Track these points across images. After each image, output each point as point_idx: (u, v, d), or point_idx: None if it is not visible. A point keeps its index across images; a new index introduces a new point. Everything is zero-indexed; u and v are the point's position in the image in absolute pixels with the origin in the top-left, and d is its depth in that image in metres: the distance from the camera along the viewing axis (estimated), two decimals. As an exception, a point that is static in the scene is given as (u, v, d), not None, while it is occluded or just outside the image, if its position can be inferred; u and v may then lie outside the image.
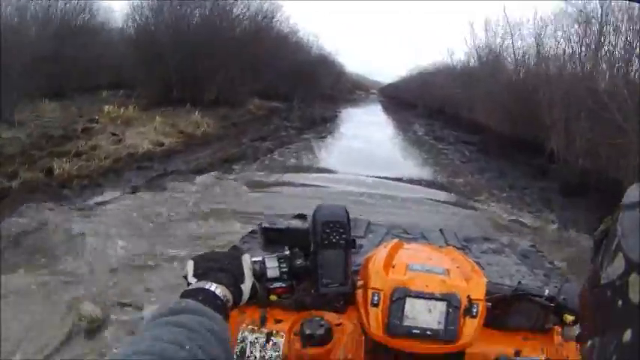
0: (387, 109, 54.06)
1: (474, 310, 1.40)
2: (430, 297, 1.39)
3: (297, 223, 1.67)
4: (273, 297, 1.35)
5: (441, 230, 2.57)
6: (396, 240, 1.74)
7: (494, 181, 13.84)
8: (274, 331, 1.57)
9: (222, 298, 1.05)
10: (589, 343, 0.63)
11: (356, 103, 56.04)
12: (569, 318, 1.47)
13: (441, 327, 1.38)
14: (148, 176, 10.63)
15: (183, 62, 20.01)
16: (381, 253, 1.57)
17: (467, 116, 29.38)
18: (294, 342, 1.55)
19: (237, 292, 1.12)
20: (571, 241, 8.69)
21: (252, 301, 1.25)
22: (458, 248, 2.06)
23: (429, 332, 1.38)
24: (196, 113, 16.87)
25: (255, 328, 1.58)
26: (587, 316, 0.66)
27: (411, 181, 12.87)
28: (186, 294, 1.03)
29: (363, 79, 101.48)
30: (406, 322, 1.38)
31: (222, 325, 0.94)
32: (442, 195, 11.72)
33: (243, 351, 1.56)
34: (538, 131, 17.17)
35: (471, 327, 1.40)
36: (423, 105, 44.51)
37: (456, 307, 1.38)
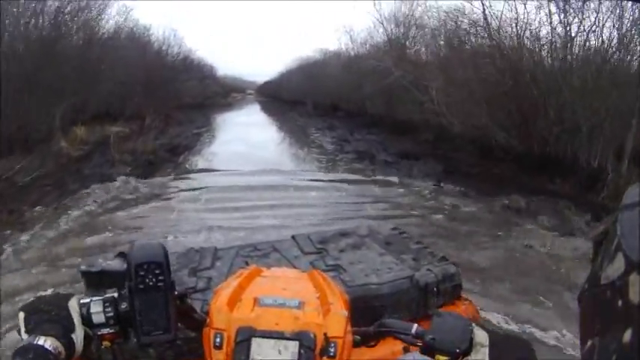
0: (268, 110, 46.82)
1: (332, 350, 1.20)
2: (279, 336, 1.20)
3: (115, 264, 1.42)
4: (107, 343, 1.20)
5: (293, 237, 2.42)
6: (253, 267, 1.53)
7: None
8: None
9: (53, 352, 1.01)
10: (589, 343, 0.61)
11: (230, 108, 49.11)
12: (442, 359, 1.17)
13: None
14: None
15: None
16: (231, 285, 1.37)
17: (380, 112, 22.54)
18: None
19: (68, 343, 1.06)
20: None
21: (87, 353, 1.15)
22: (314, 253, 2.19)
23: None
24: None
25: None
26: (587, 316, 0.65)
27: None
28: (18, 354, 0.99)
29: (238, 82, 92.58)
30: None
31: None
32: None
33: None
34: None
35: None
36: (313, 102, 37.62)
37: (309, 348, 1.18)
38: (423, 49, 19.25)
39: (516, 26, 11.75)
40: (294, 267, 2.06)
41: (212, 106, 43.32)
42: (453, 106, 13.31)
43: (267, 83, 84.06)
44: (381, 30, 24.21)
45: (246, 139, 20.18)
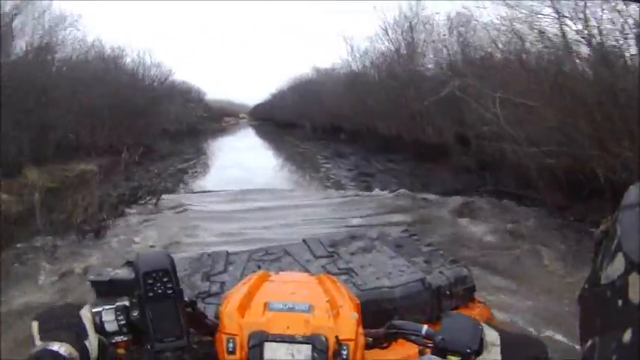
0: (264, 133, 43.50)
1: (344, 353, 1.21)
2: (291, 340, 1.21)
3: (124, 273, 1.47)
4: (121, 350, 1.21)
5: (304, 241, 2.45)
6: (261, 272, 1.55)
7: None
8: None
9: (67, 357, 1.00)
10: (589, 343, 0.62)
11: (223, 133, 47.16)
12: (453, 359, 1.15)
13: None
14: None
15: None
16: (240, 290, 1.38)
17: (397, 133, 18.80)
18: None
19: (82, 350, 1.05)
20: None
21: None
22: (326, 257, 2.22)
23: None
24: None
25: None
26: (587, 316, 0.65)
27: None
28: (31, 358, 0.99)
29: (229, 105, 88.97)
30: None
31: None
32: None
33: None
34: None
35: None
36: (311, 124, 34.05)
37: (321, 351, 1.20)
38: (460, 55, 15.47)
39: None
40: (307, 270, 2.00)
41: (204, 132, 40.89)
42: (528, 126, 9.52)
43: (259, 106, 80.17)
44: (385, 38, 20.43)
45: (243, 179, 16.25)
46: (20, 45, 13.91)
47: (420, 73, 17.73)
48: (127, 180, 14.39)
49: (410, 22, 18.94)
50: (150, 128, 23.43)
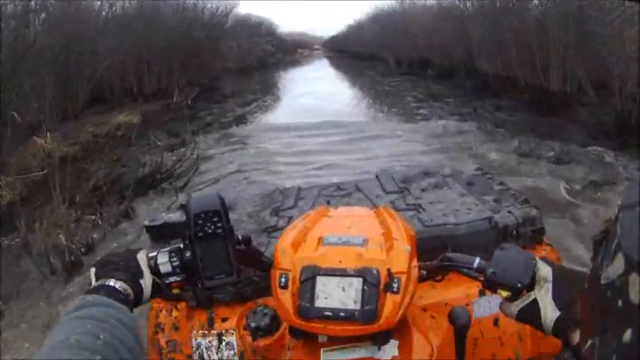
0: (341, 66, 41.83)
1: (395, 286, 1.18)
2: (343, 274, 1.19)
3: (177, 216, 1.67)
4: (176, 290, 1.22)
5: (377, 176, 2.35)
6: (321, 207, 1.59)
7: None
8: (224, 331, 1.58)
9: (122, 291, 1.04)
10: (589, 343, 0.62)
11: (297, 65, 45.54)
12: (504, 294, 1.10)
13: (357, 307, 1.17)
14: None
15: None
16: (297, 226, 1.38)
17: (505, 74, 15.74)
18: (245, 336, 1.55)
19: (137, 287, 1.09)
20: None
21: (161, 296, 1.25)
22: (396, 192, 2.11)
23: (342, 313, 1.16)
24: None
25: (206, 332, 1.59)
26: (587, 316, 0.66)
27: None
28: (89, 292, 1.02)
29: (303, 37, 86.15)
30: (318, 304, 1.18)
31: (128, 315, 0.97)
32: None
33: (201, 357, 1.57)
34: None
35: (392, 305, 1.17)
36: (395, 57, 30.92)
37: (372, 284, 1.17)
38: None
39: None
40: (375, 206, 1.87)
41: (277, 65, 39.26)
42: None
43: (335, 37, 76.72)
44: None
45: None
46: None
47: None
48: (169, 135, 11.40)
49: None
50: (208, 67, 21.12)
